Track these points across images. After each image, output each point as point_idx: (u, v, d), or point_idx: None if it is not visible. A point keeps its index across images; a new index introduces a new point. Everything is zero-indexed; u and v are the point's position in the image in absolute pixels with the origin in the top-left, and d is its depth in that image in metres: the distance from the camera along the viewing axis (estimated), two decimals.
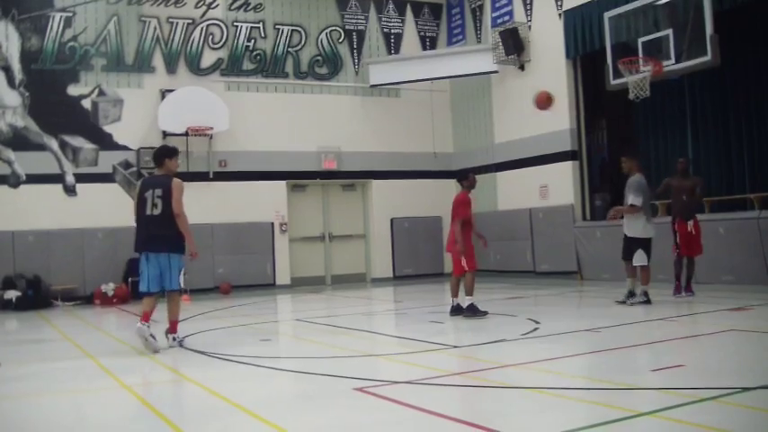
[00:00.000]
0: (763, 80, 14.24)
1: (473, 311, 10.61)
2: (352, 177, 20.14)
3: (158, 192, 9.06)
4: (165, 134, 17.58)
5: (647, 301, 11.25)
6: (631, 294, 11.39)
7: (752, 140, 14.52)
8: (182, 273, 9.26)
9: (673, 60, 13.60)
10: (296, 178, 19.40)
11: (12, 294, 15.47)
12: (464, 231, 10.79)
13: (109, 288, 16.25)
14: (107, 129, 17.45)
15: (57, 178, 16.93)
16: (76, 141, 17.14)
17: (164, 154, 9.40)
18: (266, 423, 5.37)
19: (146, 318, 8.88)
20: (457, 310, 10.90)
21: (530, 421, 5.35)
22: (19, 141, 16.69)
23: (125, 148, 17.53)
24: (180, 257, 9.18)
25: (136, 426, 5.65)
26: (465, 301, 10.71)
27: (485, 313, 10.60)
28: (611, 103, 16.81)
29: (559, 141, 17.13)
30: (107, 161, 17.30)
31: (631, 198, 11.27)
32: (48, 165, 16.84)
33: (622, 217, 11.64)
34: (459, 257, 10.77)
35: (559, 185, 17.20)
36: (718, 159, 15.10)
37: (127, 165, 17.51)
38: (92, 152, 17.20)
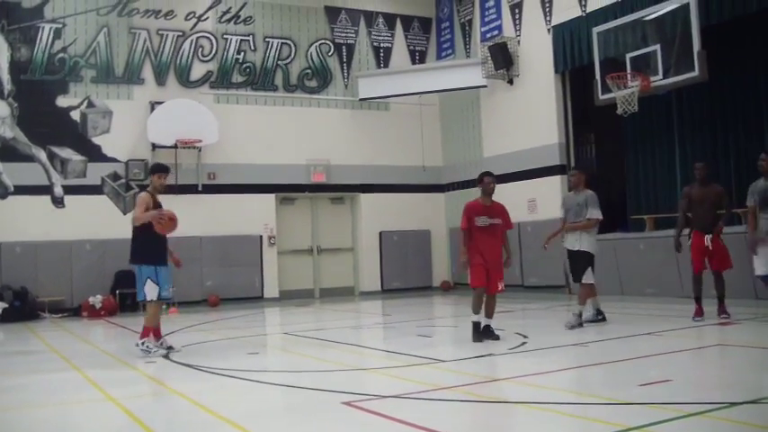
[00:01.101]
0: (750, 95, 14.32)
1: (473, 329, 9.68)
2: (341, 190, 20.14)
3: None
4: (154, 146, 17.57)
5: (581, 325, 10.64)
6: (599, 312, 11.01)
7: (739, 155, 14.58)
8: (150, 284, 9.45)
9: (661, 76, 13.71)
10: (285, 191, 19.40)
11: None
12: (471, 242, 9.66)
13: (96, 300, 16.18)
14: (96, 140, 17.43)
15: (45, 189, 16.89)
16: (65, 153, 17.10)
17: (151, 170, 10.08)
18: None
19: (146, 333, 9.56)
20: (486, 332, 9.65)
21: None
22: (7, 152, 16.65)
23: (114, 159, 17.50)
24: (145, 268, 9.48)
25: None
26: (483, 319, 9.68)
27: (478, 339, 9.53)
28: (599, 118, 16.87)
29: (548, 156, 17.19)
30: (96, 173, 17.26)
31: (596, 212, 10.73)
32: (36, 176, 16.80)
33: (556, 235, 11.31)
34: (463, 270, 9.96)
35: (548, 199, 17.23)
36: (706, 174, 15.13)
37: (116, 177, 17.47)
38: (80, 164, 17.16)
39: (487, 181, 9.85)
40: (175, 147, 17.60)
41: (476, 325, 9.59)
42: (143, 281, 9.48)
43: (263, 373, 8.32)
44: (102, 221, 16.84)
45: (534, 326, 11.74)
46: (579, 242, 10.83)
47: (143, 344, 9.46)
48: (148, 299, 9.50)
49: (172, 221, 9.56)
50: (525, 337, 9.81)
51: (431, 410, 6.03)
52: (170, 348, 9.66)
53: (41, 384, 8.01)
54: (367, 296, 19.53)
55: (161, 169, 9.97)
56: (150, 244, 9.48)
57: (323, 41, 19.98)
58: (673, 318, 11.37)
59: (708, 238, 10.80)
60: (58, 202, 17.01)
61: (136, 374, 8.30)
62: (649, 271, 14.45)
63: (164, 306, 14.31)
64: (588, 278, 10.74)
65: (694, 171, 11.29)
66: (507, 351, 8.83)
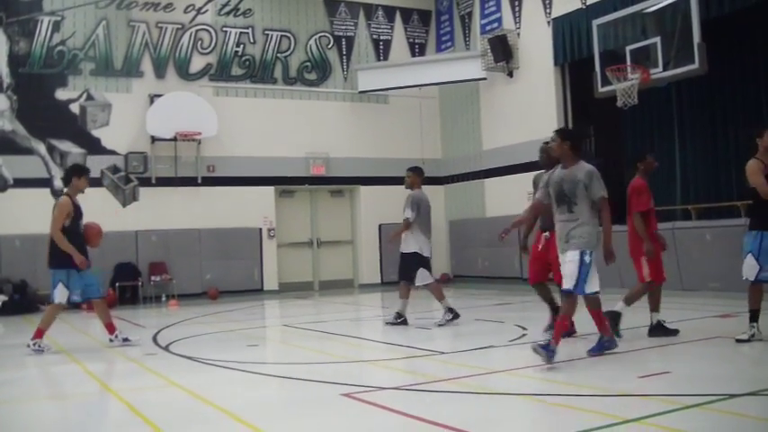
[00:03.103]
0: (750, 87, 14.32)
1: (661, 330, 8.80)
2: (341, 183, 20.13)
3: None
4: (153, 139, 17.57)
5: (456, 316, 10.79)
6: (399, 315, 10.91)
7: (739, 147, 14.55)
8: (60, 288, 9.50)
9: (660, 68, 13.68)
10: (284, 184, 19.39)
11: None
12: (649, 227, 8.80)
13: None
14: (95, 133, 17.41)
15: (44, 182, 16.87)
16: (64, 145, 17.08)
17: (73, 172, 9.98)
18: (253, 428, 5.36)
19: (111, 329, 9.79)
20: (658, 329, 8.81)
21: (516, 428, 5.37)
22: (6, 145, 16.63)
23: (113, 152, 17.49)
24: (57, 272, 9.56)
25: (122, 431, 5.63)
26: (624, 310, 8.77)
27: (675, 331, 8.79)
28: (598, 111, 16.83)
29: None
30: (95, 166, 17.17)
31: (407, 212, 10.88)
32: (35, 169, 16.78)
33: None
34: (641, 260, 8.85)
35: None
36: (706, 166, 15.16)
37: (115, 169, 17.46)
38: (80, 156, 17.12)
39: (651, 159, 9.12)
40: (175, 139, 17.60)
41: (661, 323, 8.81)
42: (54, 284, 9.48)
43: (262, 365, 8.34)
44: (102, 214, 16.73)
45: (533, 318, 11.70)
46: (406, 244, 10.95)
47: (34, 344, 9.41)
48: (56, 301, 9.49)
49: (99, 236, 10.11)
50: (524, 329, 9.83)
51: (430, 402, 6.05)
52: (126, 341, 9.79)
53: (42, 377, 8.03)
54: (366, 289, 19.54)
55: (83, 170, 10.06)
56: (59, 249, 9.51)
57: (322, 34, 19.94)
58: (671, 310, 11.37)
59: (544, 238, 9.34)
60: (58, 195, 16.94)
61: (136, 367, 8.31)
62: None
63: (164, 297, 14.32)
64: (423, 279, 10.82)
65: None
66: (507, 343, 8.85)
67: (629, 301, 8.81)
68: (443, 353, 8.51)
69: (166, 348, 9.55)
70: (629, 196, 8.88)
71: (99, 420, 6.10)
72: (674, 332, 8.78)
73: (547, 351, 7.14)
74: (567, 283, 7.51)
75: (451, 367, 7.58)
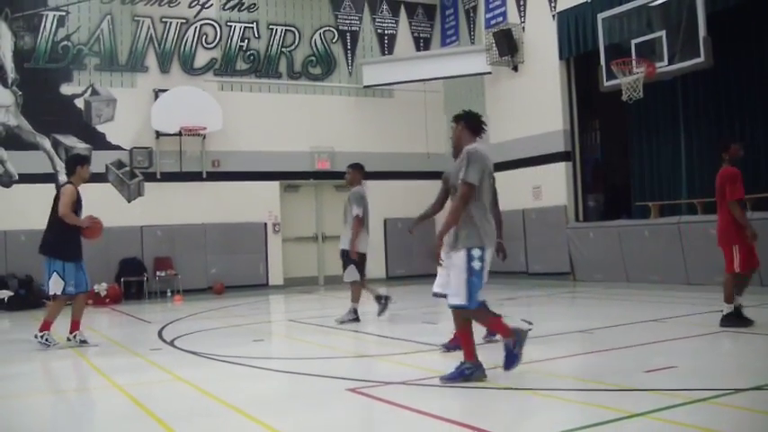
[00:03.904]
0: (756, 81, 14.26)
1: (734, 320, 8.71)
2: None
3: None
4: (158, 134, 17.58)
5: (356, 319, 10.99)
6: (379, 297, 11.32)
7: (744, 142, 14.50)
8: (55, 278, 9.33)
9: (666, 62, 13.65)
10: (289, 178, 19.40)
11: (4, 294, 15.42)
12: (744, 215, 8.82)
13: (101, 288, 16.18)
14: (100, 128, 17.44)
15: (49, 177, 16.86)
16: (69, 141, 17.11)
17: (75, 161, 9.90)
18: (258, 423, 5.36)
19: (45, 326, 9.46)
20: (733, 317, 8.69)
21: (522, 422, 5.35)
22: (11, 140, 16.66)
23: (118, 147, 17.51)
24: (54, 262, 9.37)
25: (127, 425, 5.63)
26: (725, 307, 8.76)
27: (750, 322, 8.69)
28: (604, 105, 16.82)
29: (552, 142, 17.15)
30: (100, 161, 17.20)
31: (354, 209, 11.04)
32: (40, 164, 16.80)
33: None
34: (733, 250, 8.75)
35: (552, 186, 17.21)
36: (711, 161, 15.03)
37: (120, 164, 17.48)
38: (84, 152, 17.12)
39: (735, 148, 9.04)
40: (179, 134, 17.61)
41: (739, 310, 8.73)
42: (50, 274, 9.36)
43: (268, 360, 8.34)
44: (107, 209, 16.68)
45: (539, 312, 11.73)
46: (345, 240, 11.23)
47: (42, 336, 9.35)
48: (51, 293, 9.43)
49: (101, 229, 9.76)
50: (530, 323, 9.80)
51: (436, 397, 6.05)
52: (84, 342, 9.59)
53: (46, 372, 8.03)
54: (371, 283, 19.38)
55: (86, 159, 10.12)
56: (65, 238, 9.37)
57: (327, 28, 19.93)
58: (677, 304, 11.36)
59: None
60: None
61: (141, 362, 8.32)
62: (654, 258, 14.43)
63: (169, 292, 14.26)
64: (352, 276, 11.08)
65: None
66: None
67: (728, 299, 8.76)
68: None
69: (172, 343, 9.56)
70: (720, 185, 8.88)
71: (104, 415, 6.10)
72: (750, 322, 8.63)
73: (511, 358, 6.50)
74: (457, 298, 6.39)
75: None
